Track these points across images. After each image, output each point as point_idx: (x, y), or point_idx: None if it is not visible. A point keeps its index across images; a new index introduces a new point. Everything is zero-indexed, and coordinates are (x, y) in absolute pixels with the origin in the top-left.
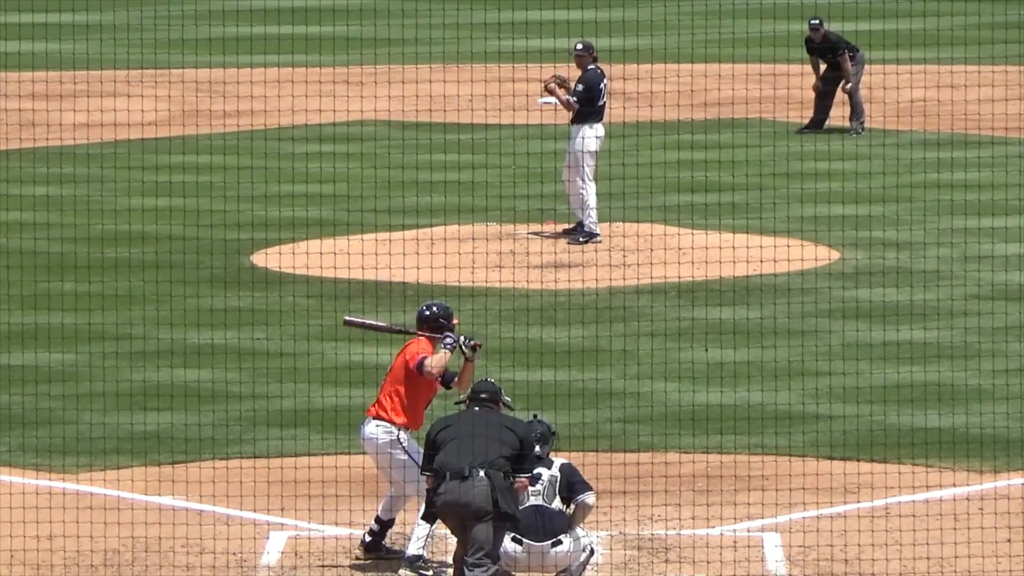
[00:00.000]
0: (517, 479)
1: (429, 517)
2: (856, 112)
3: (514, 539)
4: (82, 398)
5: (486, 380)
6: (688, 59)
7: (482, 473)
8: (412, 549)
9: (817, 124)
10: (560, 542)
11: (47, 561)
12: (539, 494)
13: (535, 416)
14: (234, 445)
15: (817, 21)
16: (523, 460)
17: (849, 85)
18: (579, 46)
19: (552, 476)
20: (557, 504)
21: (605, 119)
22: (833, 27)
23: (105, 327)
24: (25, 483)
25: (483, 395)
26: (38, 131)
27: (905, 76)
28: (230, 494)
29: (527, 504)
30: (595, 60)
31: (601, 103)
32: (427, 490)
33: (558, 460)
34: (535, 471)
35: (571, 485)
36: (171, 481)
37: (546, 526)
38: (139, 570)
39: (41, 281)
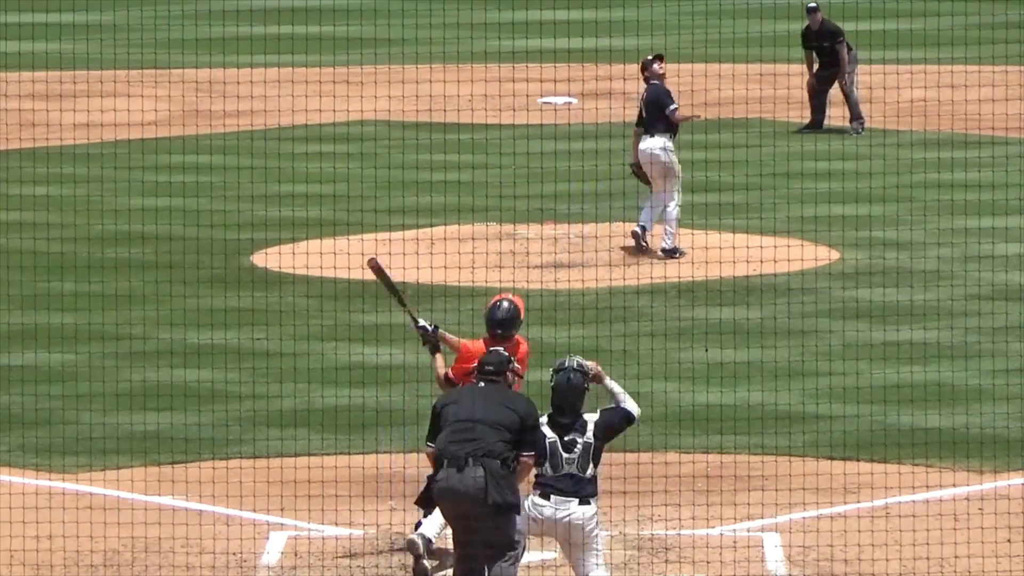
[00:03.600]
0: (521, 457)
1: (426, 502)
2: (854, 113)
3: (542, 494)
4: (82, 398)
5: (495, 351)
6: (688, 59)
7: (478, 463)
8: (427, 530)
9: (816, 124)
10: (588, 502)
11: (47, 561)
12: (573, 462)
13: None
14: (234, 445)
15: (814, 4)
16: (524, 437)
17: (845, 79)
18: (650, 58)
19: (586, 443)
20: (591, 472)
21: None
22: None
23: (105, 327)
24: (25, 483)
25: (489, 367)
26: (38, 131)
27: (905, 76)
28: (230, 494)
29: (562, 472)
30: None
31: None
32: (428, 476)
33: (592, 422)
34: (569, 437)
35: (609, 424)
36: (171, 481)
37: (577, 490)
38: (139, 570)
39: (41, 281)
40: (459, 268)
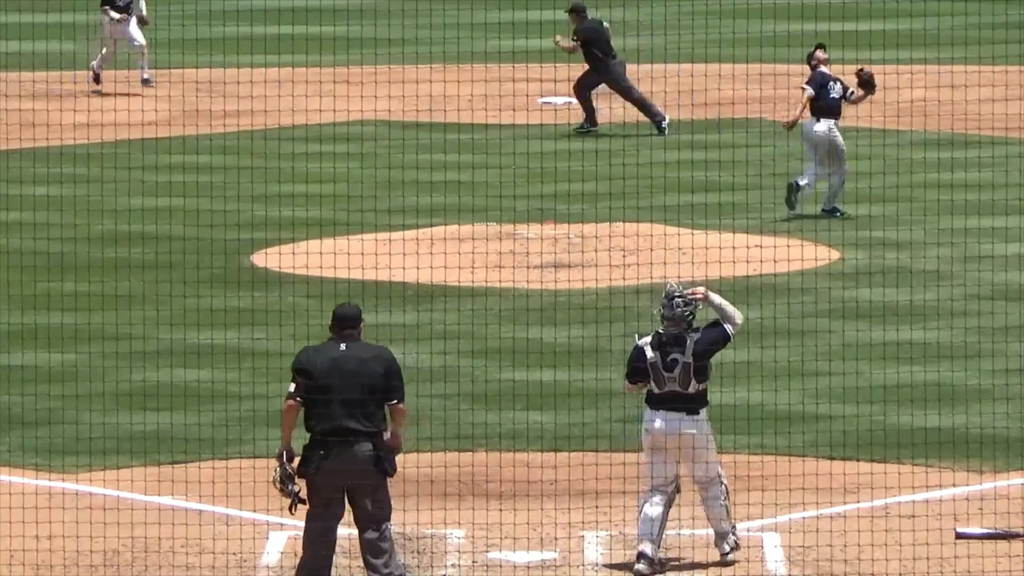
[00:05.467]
0: (395, 407)
1: (297, 478)
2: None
3: (652, 408)
4: (82, 398)
5: (348, 303)
6: (688, 59)
7: (367, 439)
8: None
9: (592, 121)
10: (697, 412)
11: (47, 561)
12: (675, 380)
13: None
14: (234, 445)
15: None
16: (392, 383)
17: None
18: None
19: (685, 363)
20: (693, 387)
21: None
22: (834, 27)
23: (105, 327)
24: (25, 483)
25: (342, 320)
26: (38, 131)
27: (905, 76)
28: (230, 494)
29: (665, 389)
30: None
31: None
32: (302, 456)
33: (692, 341)
34: (671, 357)
35: (708, 343)
36: (171, 481)
37: (684, 404)
38: (139, 570)
39: (41, 281)
40: (459, 268)
